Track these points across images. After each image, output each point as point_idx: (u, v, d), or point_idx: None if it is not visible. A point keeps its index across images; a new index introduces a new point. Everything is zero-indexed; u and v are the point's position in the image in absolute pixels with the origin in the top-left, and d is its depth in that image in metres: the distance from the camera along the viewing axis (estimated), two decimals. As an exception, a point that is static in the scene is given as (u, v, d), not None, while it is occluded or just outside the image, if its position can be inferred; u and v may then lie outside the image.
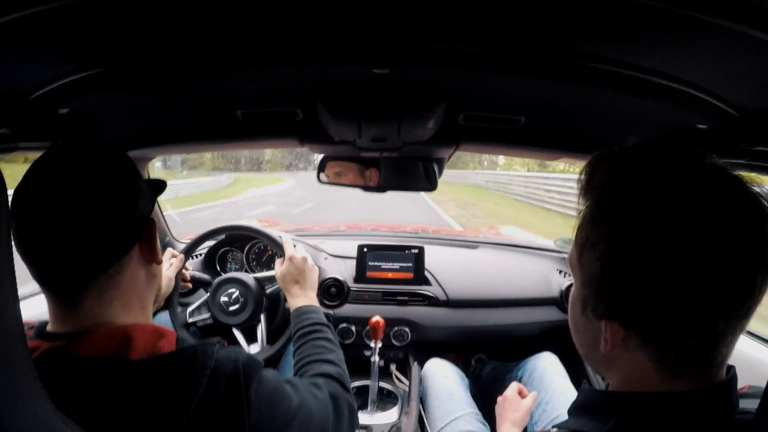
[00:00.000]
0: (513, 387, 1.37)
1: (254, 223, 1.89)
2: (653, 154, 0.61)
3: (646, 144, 0.63)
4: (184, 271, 1.73)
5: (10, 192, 0.55)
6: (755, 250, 0.54)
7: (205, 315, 1.79)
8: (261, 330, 1.79)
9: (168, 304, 1.70)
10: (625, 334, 0.60)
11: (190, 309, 1.80)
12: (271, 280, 1.79)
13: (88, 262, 0.72)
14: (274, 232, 1.74)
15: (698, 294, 0.54)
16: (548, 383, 1.72)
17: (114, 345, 0.70)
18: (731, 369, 0.61)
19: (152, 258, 0.83)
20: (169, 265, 1.59)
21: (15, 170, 0.81)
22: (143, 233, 0.80)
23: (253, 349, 1.75)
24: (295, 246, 1.57)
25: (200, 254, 2.16)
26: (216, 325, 1.78)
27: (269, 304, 1.83)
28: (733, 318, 0.55)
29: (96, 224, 0.72)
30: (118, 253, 0.76)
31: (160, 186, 0.91)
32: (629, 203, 0.58)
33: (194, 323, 1.81)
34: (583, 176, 0.65)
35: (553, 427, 0.69)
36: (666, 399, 0.59)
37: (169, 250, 1.65)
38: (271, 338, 1.78)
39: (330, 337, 1.24)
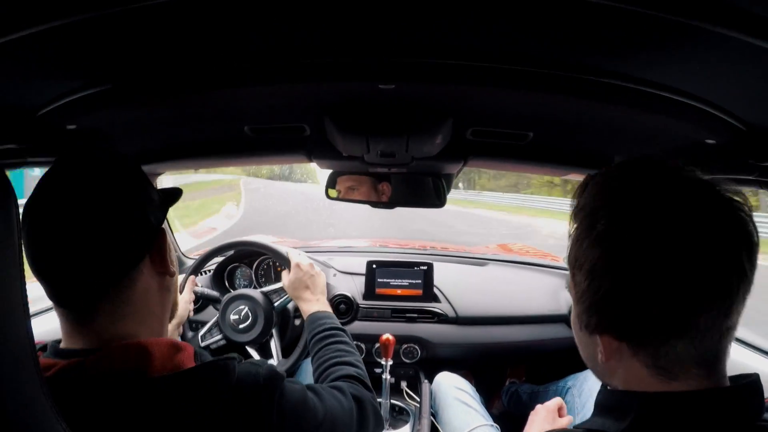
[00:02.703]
0: (556, 401, 1.33)
1: (261, 238, 1.89)
2: (632, 171, 0.64)
3: (627, 162, 0.66)
4: (194, 289, 1.73)
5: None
6: (729, 253, 0.56)
7: (217, 336, 1.79)
8: (275, 345, 1.78)
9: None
10: (618, 345, 0.63)
11: (201, 333, 1.80)
12: (279, 292, 1.79)
13: (97, 274, 0.71)
14: (280, 246, 1.74)
15: (677, 296, 0.57)
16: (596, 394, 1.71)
17: (131, 360, 0.68)
18: (752, 375, 0.62)
19: (164, 270, 0.80)
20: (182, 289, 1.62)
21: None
22: (153, 244, 0.78)
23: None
24: (299, 254, 1.58)
25: (209, 270, 2.16)
26: (229, 346, 1.77)
27: (279, 318, 1.82)
28: (713, 317, 0.57)
29: (103, 235, 0.70)
30: (128, 265, 0.74)
31: (173, 195, 0.89)
32: (609, 220, 0.61)
33: (207, 346, 1.79)
34: (574, 200, 0.69)
35: (575, 426, 0.70)
36: (670, 398, 0.60)
37: (181, 276, 1.66)
38: (285, 352, 1.77)
39: (347, 341, 1.24)
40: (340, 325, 1.30)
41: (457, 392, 1.79)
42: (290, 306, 1.89)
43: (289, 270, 1.53)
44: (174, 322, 1.47)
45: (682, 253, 0.56)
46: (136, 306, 0.75)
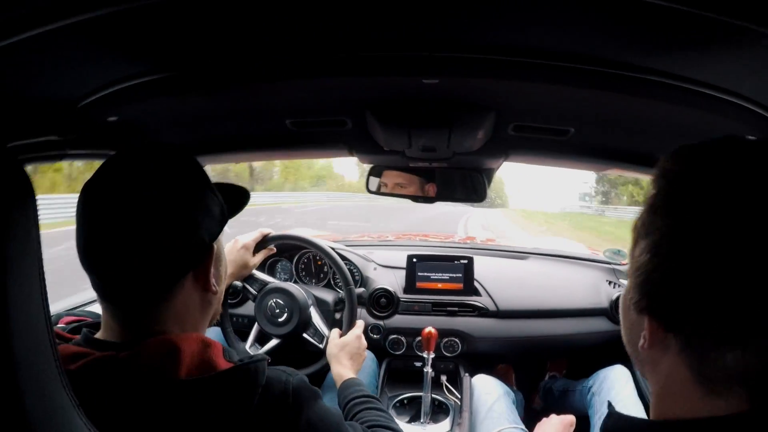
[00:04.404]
0: (569, 418, 1.33)
1: (300, 231, 1.90)
2: (735, 148, 0.54)
3: (733, 138, 0.56)
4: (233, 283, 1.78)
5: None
6: None
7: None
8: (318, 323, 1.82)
9: (221, 323, 1.78)
10: (664, 336, 0.55)
11: (248, 345, 1.84)
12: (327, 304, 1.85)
13: (138, 279, 0.71)
14: (356, 300, 1.78)
15: (753, 303, 0.48)
16: (614, 394, 1.71)
17: (161, 357, 0.69)
18: None
19: (207, 287, 0.79)
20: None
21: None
22: (200, 261, 0.77)
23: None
24: (360, 327, 1.63)
25: None
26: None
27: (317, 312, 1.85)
28: None
29: (152, 246, 0.70)
30: (170, 280, 0.74)
31: (238, 204, 0.88)
32: (694, 192, 0.52)
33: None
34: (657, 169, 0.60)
35: None
36: (708, 426, 0.52)
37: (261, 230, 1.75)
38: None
39: (384, 408, 1.23)
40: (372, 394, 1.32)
41: (486, 396, 1.77)
42: (330, 299, 1.92)
43: (341, 332, 1.59)
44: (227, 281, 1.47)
45: None
46: (175, 312, 0.76)
